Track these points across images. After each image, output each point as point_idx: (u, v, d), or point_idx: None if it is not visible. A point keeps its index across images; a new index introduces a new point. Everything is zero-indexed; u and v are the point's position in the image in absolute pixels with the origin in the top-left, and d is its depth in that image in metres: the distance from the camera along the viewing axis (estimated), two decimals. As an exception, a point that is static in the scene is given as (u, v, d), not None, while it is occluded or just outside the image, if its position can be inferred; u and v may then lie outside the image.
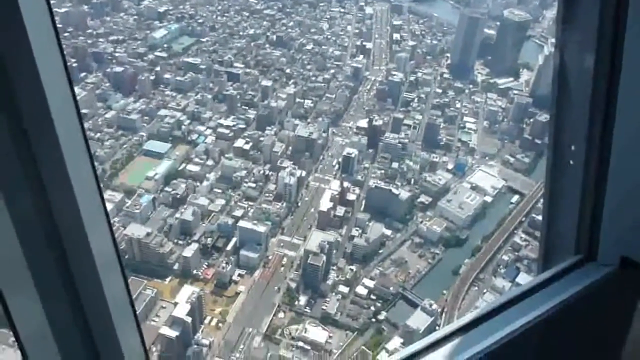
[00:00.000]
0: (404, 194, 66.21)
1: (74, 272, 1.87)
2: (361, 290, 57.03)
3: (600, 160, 3.12)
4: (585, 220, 3.35)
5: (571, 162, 3.27)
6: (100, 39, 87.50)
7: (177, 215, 61.61)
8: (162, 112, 75.85)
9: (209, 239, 59.95)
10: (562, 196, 3.50)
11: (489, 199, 68.16)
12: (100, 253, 1.90)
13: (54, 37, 1.67)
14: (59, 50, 1.67)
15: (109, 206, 59.44)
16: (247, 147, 70.63)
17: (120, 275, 2.09)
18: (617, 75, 2.87)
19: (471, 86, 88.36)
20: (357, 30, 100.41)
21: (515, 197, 69.55)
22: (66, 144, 1.67)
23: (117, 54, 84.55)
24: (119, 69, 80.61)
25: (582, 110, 3.06)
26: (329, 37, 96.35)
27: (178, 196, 63.75)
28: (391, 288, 57.51)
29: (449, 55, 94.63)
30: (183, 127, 74.06)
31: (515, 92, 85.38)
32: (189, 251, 57.72)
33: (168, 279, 57.10)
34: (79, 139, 1.77)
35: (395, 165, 70.66)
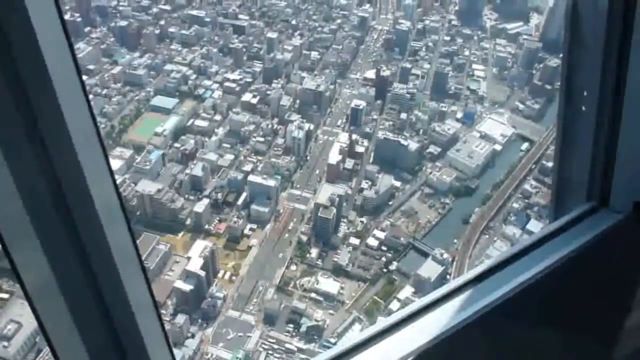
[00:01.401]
0: (413, 144, 65.97)
1: (79, 225, 1.92)
2: (372, 241, 57.71)
3: (613, 106, 3.11)
4: (597, 167, 3.35)
5: (583, 108, 3.25)
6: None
7: (187, 171, 62.00)
8: (168, 66, 75.13)
9: (219, 194, 60.45)
10: (574, 142, 3.49)
11: (498, 147, 67.77)
12: (104, 205, 1.94)
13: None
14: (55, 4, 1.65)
15: (119, 163, 60.17)
16: (254, 101, 70.18)
17: (125, 227, 2.12)
18: (632, 16, 2.82)
19: (480, 32, 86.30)
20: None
21: (525, 145, 69.08)
22: (64, 98, 1.69)
23: (120, 8, 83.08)
24: (123, 22, 79.41)
25: (595, 54, 3.02)
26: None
27: (187, 152, 63.96)
28: (402, 239, 58.13)
29: (457, 1, 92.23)
30: (190, 82, 73.54)
31: (525, 37, 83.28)
32: (200, 206, 58.36)
33: (181, 234, 58.01)
34: (77, 93, 1.78)
35: (403, 116, 70.08)
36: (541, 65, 76.18)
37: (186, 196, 60.29)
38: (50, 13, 1.59)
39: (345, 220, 59.78)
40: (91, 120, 1.84)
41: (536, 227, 54.98)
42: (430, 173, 64.75)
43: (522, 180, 64.29)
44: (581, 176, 3.43)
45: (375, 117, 70.94)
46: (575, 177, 3.53)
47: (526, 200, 61.62)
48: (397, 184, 63.27)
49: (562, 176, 3.69)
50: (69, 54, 1.71)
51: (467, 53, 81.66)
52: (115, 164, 60.13)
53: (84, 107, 1.81)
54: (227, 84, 72.99)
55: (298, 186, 63.45)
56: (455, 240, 58.62)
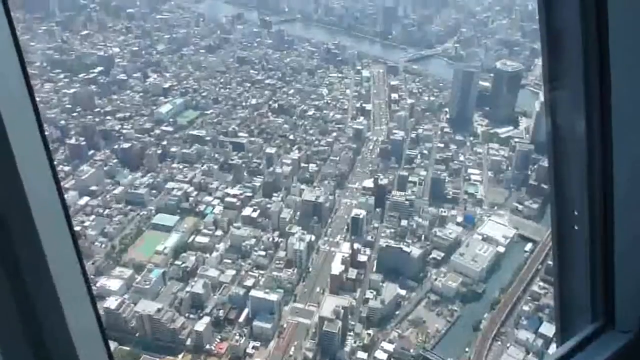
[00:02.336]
0: (416, 251, 65.47)
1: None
2: (381, 355, 55.33)
3: (604, 222, 3.06)
4: (597, 286, 3.26)
5: (576, 227, 3.20)
6: (108, 117, 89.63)
7: (188, 288, 60.92)
8: (170, 184, 76.58)
9: (220, 311, 58.96)
10: (571, 261, 3.42)
11: (501, 249, 67.28)
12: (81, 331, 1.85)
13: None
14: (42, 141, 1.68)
15: (119, 283, 59.42)
16: (255, 215, 70.69)
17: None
18: (609, 135, 2.83)
19: (472, 138, 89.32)
20: (356, 93, 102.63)
21: (529, 245, 68.65)
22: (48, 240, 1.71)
23: (124, 131, 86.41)
24: (126, 145, 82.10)
25: (580, 176, 3.01)
26: (329, 101, 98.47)
27: (188, 269, 63.30)
28: (412, 350, 55.84)
29: (447, 109, 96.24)
30: (191, 198, 74.53)
31: (517, 140, 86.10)
32: (201, 325, 56.61)
33: (181, 355, 55.72)
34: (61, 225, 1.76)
35: (404, 223, 70.27)
36: (535, 166, 77.85)
37: (187, 315, 58.72)
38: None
39: (351, 333, 57.72)
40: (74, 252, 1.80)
41: (549, 330, 53.16)
42: (436, 279, 63.64)
43: (529, 282, 63.12)
44: (583, 296, 3.33)
45: (376, 225, 71.11)
46: (577, 297, 3.43)
47: (536, 302, 60.08)
48: (403, 292, 61.94)
49: (564, 296, 3.59)
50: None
51: (461, 158, 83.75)
52: (115, 284, 59.42)
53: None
54: (227, 199, 73.93)
55: (301, 299, 62.08)
56: (467, 349, 56.29)
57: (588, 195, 3.07)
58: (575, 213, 3.20)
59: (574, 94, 2.95)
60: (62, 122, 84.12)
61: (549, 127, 3.18)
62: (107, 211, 71.87)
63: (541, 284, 62.13)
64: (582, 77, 2.82)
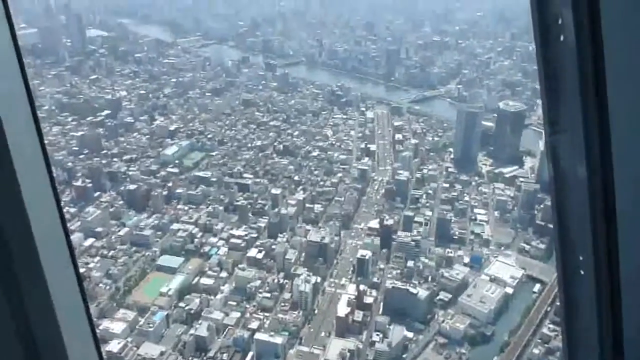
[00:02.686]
0: (423, 292, 64.54)
1: None
2: (388, 399, 54.06)
3: (609, 264, 3.05)
4: (605, 326, 3.22)
5: (582, 272, 3.19)
6: (115, 159, 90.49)
7: (192, 331, 60.00)
8: (175, 226, 76.49)
9: (225, 355, 57.85)
10: (578, 304, 3.39)
11: (510, 290, 66.27)
12: None
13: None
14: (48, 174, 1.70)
15: (122, 325, 58.70)
16: (260, 256, 70.27)
17: None
18: (611, 180, 2.85)
19: (477, 178, 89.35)
20: (360, 134, 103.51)
21: (537, 286, 67.65)
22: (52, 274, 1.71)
23: (130, 172, 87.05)
24: (132, 186, 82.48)
25: (584, 220, 3.02)
26: (334, 142, 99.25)
27: (192, 311, 62.49)
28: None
29: (451, 150, 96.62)
30: (196, 240, 74.30)
31: (522, 179, 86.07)
32: (206, 369, 55.64)
33: (185, 401, 54.60)
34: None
35: (410, 263, 69.58)
36: (541, 206, 77.53)
37: (190, 358, 57.72)
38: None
39: (358, 377, 56.55)
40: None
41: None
42: (443, 321, 62.49)
43: (538, 323, 61.89)
44: (591, 336, 3.29)
45: (382, 266, 70.40)
46: (585, 337, 3.39)
47: (546, 345, 58.79)
48: (410, 334, 60.76)
49: (571, 337, 3.54)
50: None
51: (467, 198, 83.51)
52: (118, 326, 58.66)
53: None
54: (232, 240, 73.65)
55: (306, 342, 60.97)
56: (477, 395, 54.95)
57: (592, 240, 3.07)
58: (581, 258, 3.20)
59: (574, 138, 2.97)
60: (70, 164, 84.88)
61: (550, 172, 3.20)
62: (111, 253, 71.64)
63: (551, 326, 60.86)
64: (581, 121, 2.85)
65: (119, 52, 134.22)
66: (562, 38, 2.82)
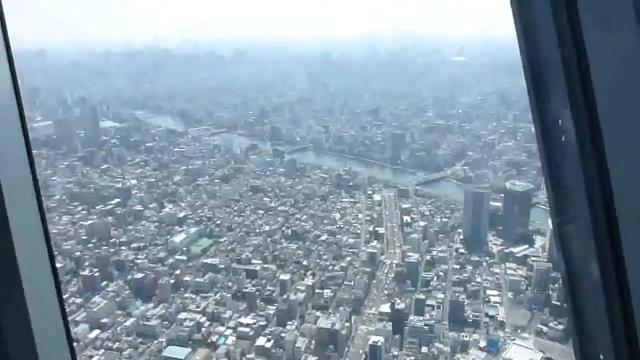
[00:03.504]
0: (439, 380, 62.07)
1: None
2: None
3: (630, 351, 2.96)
4: None
5: (601, 356, 3.10)
6: (123, 247, 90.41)
7: None
8: (182, 315, 75.01)
9: None
10: None
11: (530, 376, 63.58)
12: None
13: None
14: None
15: None
16: (268, 345, 68.23)
17: None
18: (624, 276, 2.80)
19: (488, 258, 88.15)
20: (368, 217, 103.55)
21: (558, 371, 64.93)
22: None
23: (138, 261, 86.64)
24: (139, 275, 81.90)
25: (602, 319, 2.95)
26: (342, 226, 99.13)
27: (199, 406, 60.13)
28: None
29: (460, 230, 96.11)
30: (203, 329, 72.56)
31: (533, 258, 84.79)
32: None
33: None
34: None
35: (424, 349, 67.28)
36: (556, 285, 75.79)
37: None
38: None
39: None
40: None
41: None
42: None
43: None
44: None
45: (395, 353, 68.07)
46: None
47: None
48: None
49: None
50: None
51: (479, 279, 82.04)
52: None
53: None
54: (240, 329, 71.91)
55: None
56: None
57: (612, 339, 3.00)
58: (601, 357, 3.11)
59: (581, 229, 2.97)
60: (77, 253, 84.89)
61: (562, 267, 3.19)
62: (117, 344, 69.91)
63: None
64: (587, 209, 2.85)
65: (131, 142, 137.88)
66: (563, 138, 2.90)
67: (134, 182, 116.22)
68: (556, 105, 2.94)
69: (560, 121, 2.93)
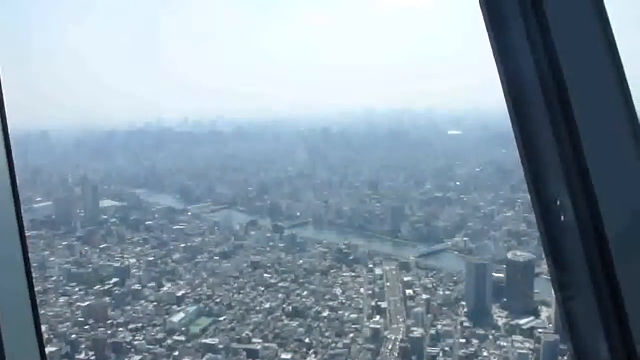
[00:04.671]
0: None
1: None
2: None
3: None
4: None
5: None
6: (120, 328, 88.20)
7: None
8: (180, 399, 72.47)
9: None
10: None
11: None
12: None
13: None
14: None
15: None
16: None
17: None
18: (631, 347, 2.78)
19: (494, 331, 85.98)
20: (370, 292, 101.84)
21: None
22: None
23: (135, 342, 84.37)
24: (137, 357, 79.64)
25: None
26: (344, 301, 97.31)
27: None
28: None
29: (464, 303, 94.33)
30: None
31: (540, 330, 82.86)
32: None
33: None
34: None
35: None
36: (565, 357, 73.61)
37: None
38: None
39: None
40: None
41: None
42: None
43: None
44: None
45: None
46: None
47: None
48: None
49: None
50: None
51: (485, 353, 79.88)
52: None
53: None
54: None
55: None
56: None
57: None
58: None
59: (585, 303, 2.99)
60: (73, 336, 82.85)
61: (569, 344, 3.18)
62: None
63: None
64: (590, 284, 2.87)
65: (130, 220, 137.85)
66: (562, 218, 2.95)
67: (132, 260, 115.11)
68: (552, 183, 2.94)
69: (557, 200, 2.92)
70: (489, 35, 3.24)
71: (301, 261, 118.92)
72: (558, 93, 2.80)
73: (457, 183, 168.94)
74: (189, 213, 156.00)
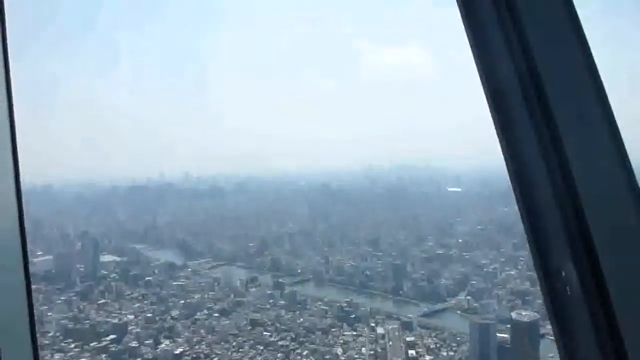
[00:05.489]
0: None
1: None
2: None
3: None
4: None
5: None
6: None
7: None
8: None
9: None
10: None
11: None
12: None
13: None
14: None
15: None
16: None
17: None
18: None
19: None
20: (372, 352, 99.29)
21: None
22: None
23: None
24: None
25: None
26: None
27: None
28: None
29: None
30: None
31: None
32: None
33: None
34: None
35: None
36: None
37: None
38: None
39: None
40: None
41: None
42: None
43: None
44: None
45: None
46: None
47: None
48: None
49: None
50: None
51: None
52: None
53: None
54: None
55: None
56: None
57: None
58: None
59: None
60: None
61: None
62: None
63: None
64: (598, 356, 2.93)
65: (130, 276, 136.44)
66: (568, 292, 3.04)
67: (131, 317, 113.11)
68: (557, 255, 3.02)
69: (563, 272, 2.98)
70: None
71: (301, 319, 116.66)
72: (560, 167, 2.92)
73: (459, 240, 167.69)
74: (189, 269, 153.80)
